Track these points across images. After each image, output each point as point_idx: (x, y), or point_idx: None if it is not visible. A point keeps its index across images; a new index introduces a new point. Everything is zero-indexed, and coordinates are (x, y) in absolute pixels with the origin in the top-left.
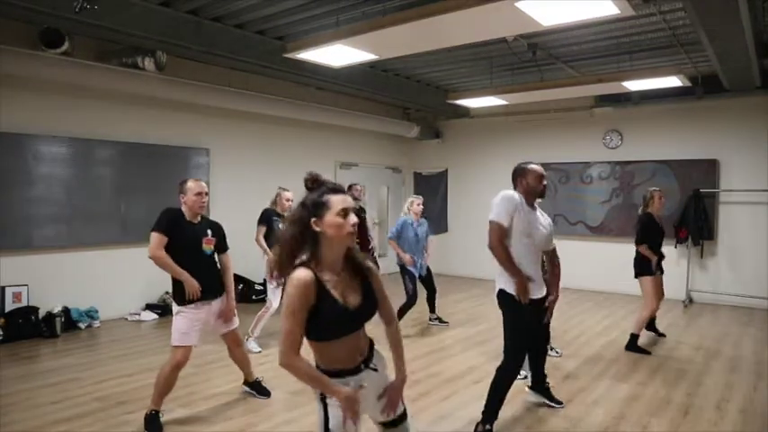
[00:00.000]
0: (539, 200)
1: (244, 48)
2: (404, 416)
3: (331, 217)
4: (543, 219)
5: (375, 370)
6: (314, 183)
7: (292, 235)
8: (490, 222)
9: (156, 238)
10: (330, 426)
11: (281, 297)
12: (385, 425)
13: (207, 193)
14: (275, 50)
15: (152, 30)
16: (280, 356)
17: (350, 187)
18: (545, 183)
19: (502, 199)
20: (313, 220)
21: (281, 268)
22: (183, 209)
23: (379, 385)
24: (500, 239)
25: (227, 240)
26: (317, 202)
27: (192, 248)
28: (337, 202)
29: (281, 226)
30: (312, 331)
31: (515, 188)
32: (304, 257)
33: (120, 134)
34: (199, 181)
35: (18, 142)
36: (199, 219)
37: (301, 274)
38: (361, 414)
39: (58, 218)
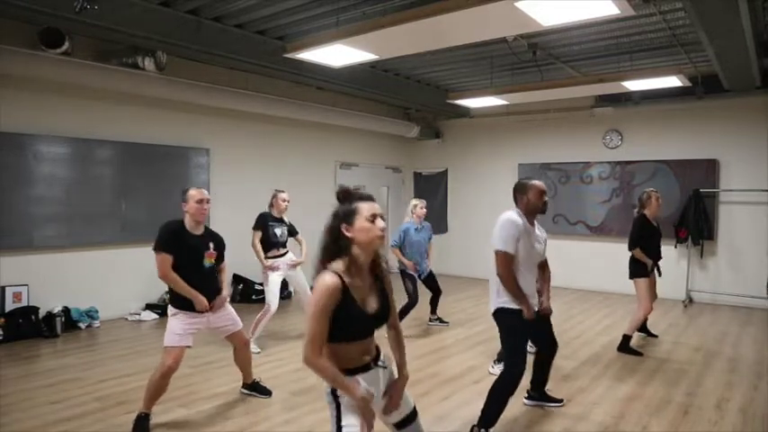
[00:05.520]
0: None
1: (244, 48)
2: (414, 414)
3: (360, 222)
4: (540, 234)
5: (384, 367)
6: (345, 194)
7: (327, 243)
8: (496, 252)
9: (162, 259)
10: (343, 422)
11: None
12: (397, 425)
13: (209, 201)
14: (275, 50)
15: (152, 30)
16: (305, 354)
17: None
18: (546, 199)
19: (505, 226)
20: (344, 226)
21: (317, 273)
22: (186, 218)
23: (387, 382)
24: (510, 269)
25: (227, 247)
26: (347, 210)
27: (194, 262)
28: (366, 208)
29: (277, 231)
30: (335, 331)
31: (516, 204)
32: (339, 263)
33: (120, 134)
34: (201, 189)
35: (18, 142)
36: (202, 230)
37: (328, 279)
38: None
39: (58, 218)
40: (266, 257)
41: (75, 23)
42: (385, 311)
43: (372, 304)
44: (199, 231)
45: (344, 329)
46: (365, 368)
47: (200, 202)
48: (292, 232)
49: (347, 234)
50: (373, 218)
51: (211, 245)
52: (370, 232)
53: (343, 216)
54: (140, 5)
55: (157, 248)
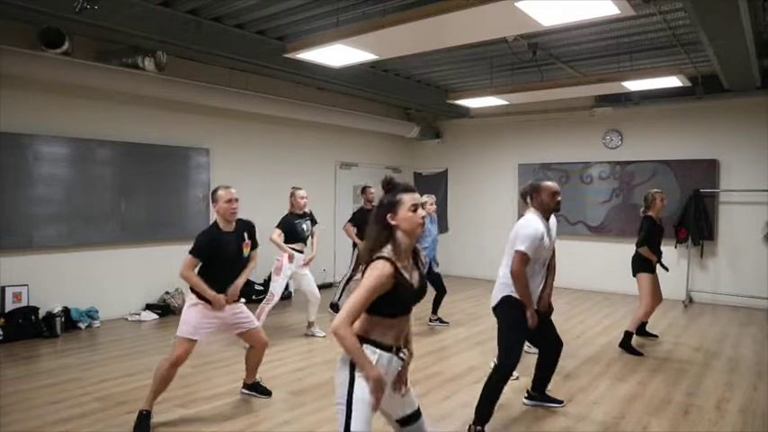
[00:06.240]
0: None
1: (244, 48)
2: (419, 413)
3: (403, 212)
4: (553, 228)
5: (402, 359)
6: (389, 185)
7: (376, 232)
8: (517, 251)
9: (189, 260)
10: (354, 393)
11: (362, 276)
12: (401, 422)
13: (237, 200)
14: (275, 50)
15: (152, 30)
16: (336, 322)
17: (363, 190)
18: (559, 199)
19: (531, 235)
20: (389, 215)
21: (366, 258)
22: (217, 218)
23: (396, 374)
24: (524, 268)
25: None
26: (391, 201)
27: (236, 255)
28: (408, 199)
29: (304, 226)
30: (383, 307)
31: (529, 204)
32: (388, 248)
33: (120, 134)
34: (228, 188)
35: (18, 142)
36: (233, 225)
37: (383, 266)
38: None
39: (58, 218)
40: (288, 245)
41: (75, 23)
42: (425, 284)
43: (415, 279)
44: (231, 228)
45: (393, 305)
46: (388, 349)
47: (230, 201)
48: (314, 222)
49: (392, 222)
50: (415, 208)
51: (245, 234)
52: (412, 221)
53: (388, 206)
54: (140, 5)
55: (191, 251)
